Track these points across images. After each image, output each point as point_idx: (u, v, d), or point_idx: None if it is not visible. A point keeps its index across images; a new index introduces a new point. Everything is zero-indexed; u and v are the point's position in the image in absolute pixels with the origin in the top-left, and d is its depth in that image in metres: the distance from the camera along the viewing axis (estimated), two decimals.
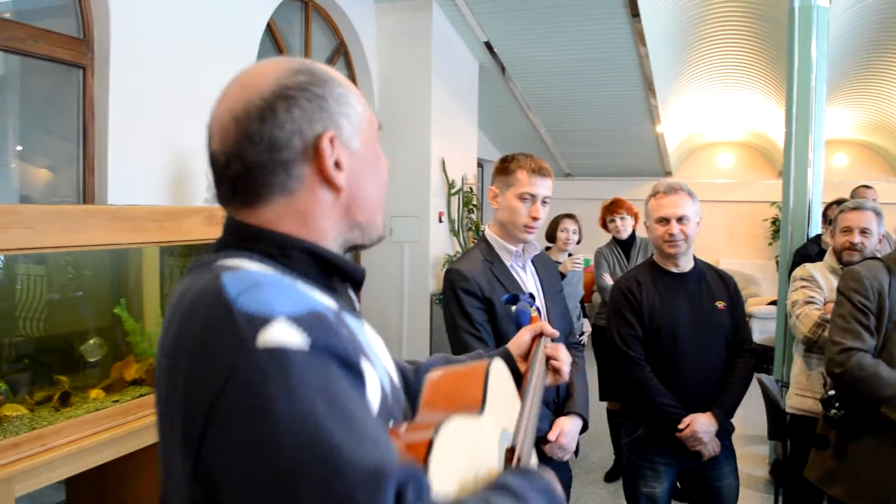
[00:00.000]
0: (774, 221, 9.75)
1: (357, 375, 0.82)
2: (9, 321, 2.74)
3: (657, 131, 8.74)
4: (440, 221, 6.97)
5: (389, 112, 6.86)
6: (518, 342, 1.55)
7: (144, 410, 3.09)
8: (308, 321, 0.79)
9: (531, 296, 1.94)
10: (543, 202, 2.32)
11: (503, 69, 7.67)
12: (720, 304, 2.70)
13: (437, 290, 6.80)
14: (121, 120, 3.91)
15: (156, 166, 4.12)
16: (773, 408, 3.88)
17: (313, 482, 0.69)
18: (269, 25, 5.28)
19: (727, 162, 10.73)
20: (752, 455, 5.18)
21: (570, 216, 4.74)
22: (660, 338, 2.63)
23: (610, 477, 4.57)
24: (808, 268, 3.44)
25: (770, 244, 9.96)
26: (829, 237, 4.16)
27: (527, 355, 1.52)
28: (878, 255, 2.79)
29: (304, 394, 0.73)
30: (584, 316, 4.79)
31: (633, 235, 4.76)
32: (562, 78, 7.74)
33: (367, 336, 1.00)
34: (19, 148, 3.91)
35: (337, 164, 0.95)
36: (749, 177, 10.55)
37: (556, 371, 1.56)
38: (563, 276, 4.43)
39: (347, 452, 0.70)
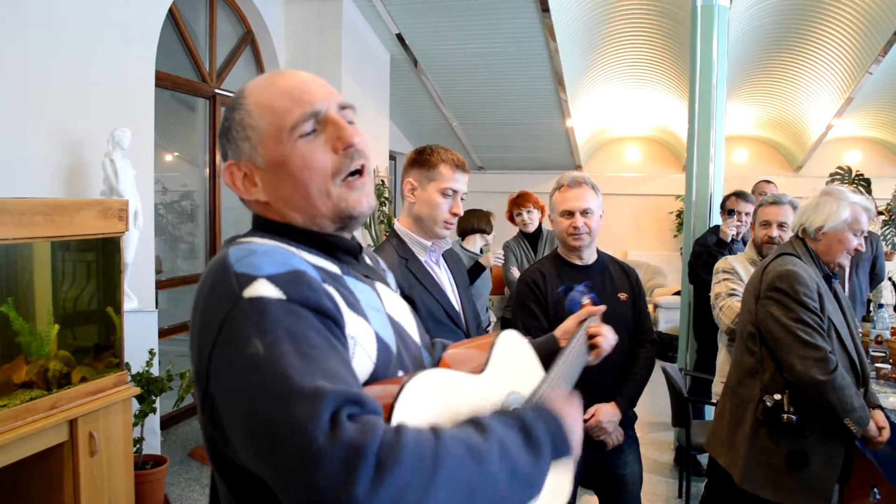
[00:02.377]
0: (679, 214, 10.05)
1: (332, 322, 0.98)
2: None
3: (567, 125, 8.87)
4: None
5: None
6: (564, 327, 1.78)
7: (35, 415, 2.93)
8: (286, 279, 0.97)
9: (588, 285, 1.98)
10: (462, 198, 2.29)
11: (415, 62, 7.64)
12: (623, 296, 2.73)
13: None
14: (4, 106, 3.68)
15: (46, 157, 3.90)
16: (677, 395, 3.98)
17: (268, 402, 0.85)
18: (171, 11, 5.08)
19: (634, 156, 11.00)
20: (658, 441, 5.32)
21: (489, 214, 4.75)
22: None
23: None
24: (729, 260, 3.53)
25: (675, 236, 10.27)
26: (726, 227, 4.30)
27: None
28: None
29: (274, 333, 0.90)
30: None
31: (539, 228, 4.80)
32: (473, 71, 7.76)
33: (374, 297, 1.16)
34: None
35: (245, 183, 1.15)
36: (655, 171, 10.83)
37: (594, 347, 1.74)
38: (482, 268, 4.43)
39: (296, 379, 0.86)
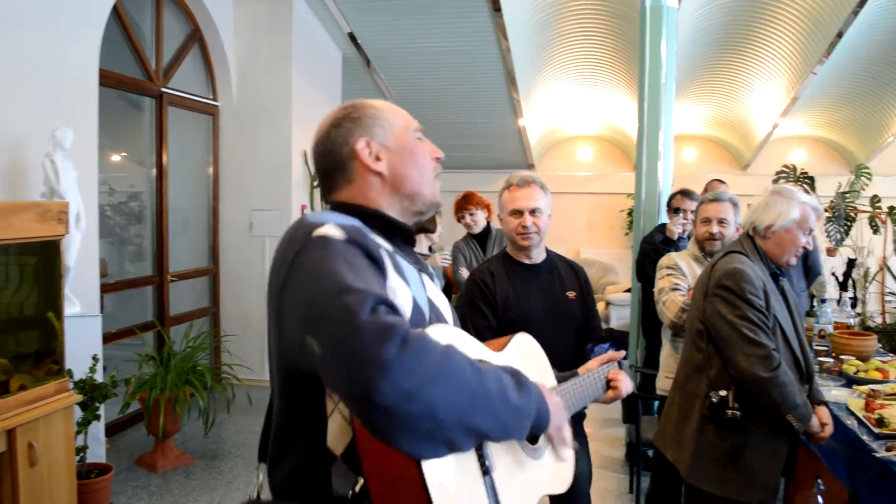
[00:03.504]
0: (630, 212, 10.16)
1: (379, 266, 1.25)
2: None
3: (519, 125, 8.90)
4: (302, 214, 6.80)
5: (248, 101, 6.65)
6: (587, 366, 2.00)
7: None
8: (347, 227, 1.24)
9: (620, 346, 2.20)
10: None
11: (367, 61, 7.58)
12: (571, 294, 2.74)
13: None
14: None
15: None
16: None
17: (325, 294, 1.11)
18: (115, 8, 4.95)
19: (586, 155, 11.08)
20: (609, 437, 5.37)
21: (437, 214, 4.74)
22: (513, 328, 2.63)
23: None
24: (672, 256, 3.57)
25: (626, 234, 10.37)
26: (672, 225, 4.36)
27: None
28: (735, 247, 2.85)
29: (334, 258, 1.16)
30: None
31: (487, 227, 4.80)
32: (426, 70, 7.74)
33: (418, 277, 1.40)
34: None
35: (373, 155, 1.42)
36: (607, 170, 10.93)
37: (613, 388, 1.97)
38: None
39: (348, 281, 1.11)
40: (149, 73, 5.69)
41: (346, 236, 1.22)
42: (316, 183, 6.67)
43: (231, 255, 6.75)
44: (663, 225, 4.64)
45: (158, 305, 5.84)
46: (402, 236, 1.45)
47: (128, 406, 4.52)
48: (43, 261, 3.36)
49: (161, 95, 5.82)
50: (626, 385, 1.98)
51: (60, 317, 3.39)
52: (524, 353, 1.52)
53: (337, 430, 1.21)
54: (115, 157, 5.99)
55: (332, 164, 1.43)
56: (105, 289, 4.91)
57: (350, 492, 1.17)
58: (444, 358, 1.08)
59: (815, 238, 3.11)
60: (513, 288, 2.68)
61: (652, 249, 4.44)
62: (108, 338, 4.78)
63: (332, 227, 1.22)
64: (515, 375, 1.22)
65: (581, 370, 1.95)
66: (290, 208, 6.64)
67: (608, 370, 1.98)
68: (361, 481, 1.15)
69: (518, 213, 2.67)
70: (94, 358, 3.92)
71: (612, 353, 1.97)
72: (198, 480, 4.47)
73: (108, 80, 4.96)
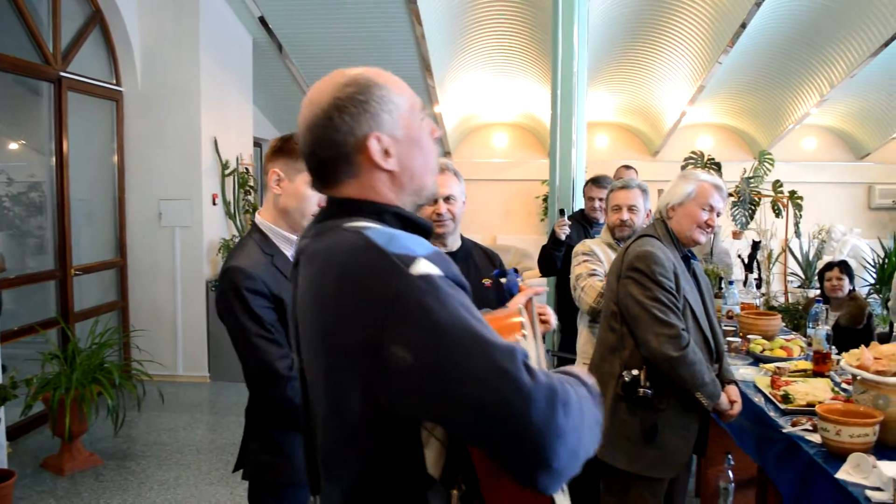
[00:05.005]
0: (546, 198, 10.30)
1: (467, 293, 1.15)
2: None
3: (435, 111, 8.88)
4: (214, 204, 6.63)
5: (154, 86, 6.40)
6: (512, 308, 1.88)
7: None
8: (437, 258, 1.13)
9: (515, 270, 1.98)
10: None
11: (279, 46, 7.42)
12: (487, 282, 2.74)
13: (213, 277, 6.48)
14: None
15: None
16: None
17: (476, 356, 1.03)
18: None
19: (502, 142, 11.17)
20: None
21: None
22: None
23: None
24: (588, 243, 3.62)
25: (542, 220, 10.51)
26: (558, 227, 4.43)
27: None
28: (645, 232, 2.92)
29: (452, 304, 1.07)
30: None
31: None
32: (339, 56, 7.61)
33: None
34: None
35: (384, 152, 1.25)
36: (522, 157, 11.05)
37: (544, 322, 1.92)
38: None
39: (489, 337, 1.06)
40: (46, 56, 5.40)
41: (442, 272, 1.11)
42: (229, 171, 6.51)
43: (139, 247, 6.50)
44: (580, 211, 4.72)
45: (62, 301, 5.58)
46: (422, 235, 1.30)
47: (30, 408, 4.30)
48: None
49: (59, 80, 5.54)
50: (552, 315, 1.93)
51: None
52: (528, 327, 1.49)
53: (434, 456, 1.16)
54: (13, 146, 5.69)
55: (334, 155, 1.25)
56: (3, 284, 4.66)
57: None
58: (580, 403, 1.10)
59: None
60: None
61: (545, 250, 4.53)
62: (7, 336, 4.54)
63: (426, 262, 1.10)
64: (587, 386, 1.20)
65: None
66: (201, 197, 6.44)
67: (535, 305, 1.83)
68: (456, 494, 1.16)
69: (434, 200, 2.65)
70: None
71: (535, 289, 1.81)
72: (108, 482, 4.30)
73: (1, 63, 4.68)
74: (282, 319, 2.08)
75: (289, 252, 2.18)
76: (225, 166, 6.72)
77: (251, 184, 7.13)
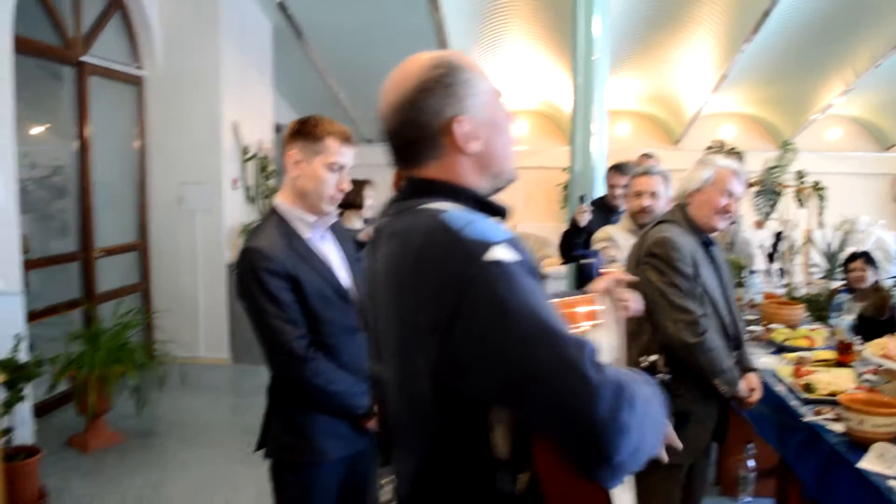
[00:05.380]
0: (566, 186, 10.26)
1: (540, 281, 1.15)
2: None
3: None
4: (234, 188, 6.66)
5: (175, 71, 6.43)
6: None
7: None
8: (512, 244, 1.13)
9: (597, 253, 1.97)
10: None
11: (299, 32, 7.42)
12: None
13: (234, 261, 6.51)
14: None
15: None
16: None
17: (544, 347, 1.05)
18: None
19: (523, 130, 11.13)
20: None
21: (369, 182, 4.67)
22: None
23: None
24: (607, 230, 3.63)
25: (563, 208, 10.45)
26: (578, 215, 4.42)
27: None
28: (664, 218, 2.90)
29: (524, 292, 1.08)
30: None
31: None
32: (359, 43, 7.60)
33: None
34: None
35: (468, 135, 1.26)
36: (543, 144, 10.99)
37: (626, 308, 1.86)
38: (362, 244, 4.34)
39: (558, 328, 1.07)
40: (67, 40, 5.44)
41: (515, 258, 1.11)
42: (249, 156, 6.53)
43: (161, 230, 6.56)
44: (601, 198, 4.70)
45: (85, 282, 5.65)
46: (501, 215, 1.35)
47: (55, 386, 4.37)
48: None
49: (81, 64, 5.58)
50: (634, 300, 1.87)
51: None
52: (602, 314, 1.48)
53: (503, 438, 1.18)
54: (36, 130, 5.74)
55: (418, 136, 1.27)
56: (28, 266, 4.71)
57: (515, 489, 1.19)
58: (645, 402, 1.12)
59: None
60: None
61: (566, 236, 4.55)
62: (32, 316, 4.60)
63: (500, 248, 1.11)
64: (654, 388, 1.24)
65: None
66: (221, 182, 6.48)
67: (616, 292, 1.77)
68: (526, 477, 1.18)
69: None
70: (17, 337, 3.77)
71: (613, 274, 1.76)
72: (132, 460, 4.37)
73: (23, 47, 4.72)
74: (300, 300, 2.10)
75: (307, 234, 2.20)
76: (245, 151, 6.75)
77: (271, 168, 7.16)
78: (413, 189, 1.30)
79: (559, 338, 1.06)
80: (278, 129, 7.90)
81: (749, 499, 3.12)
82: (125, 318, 4.78)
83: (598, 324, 1.32)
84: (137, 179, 6.50)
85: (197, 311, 6.55)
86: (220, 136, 6.47)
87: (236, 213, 6.70)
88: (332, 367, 2.12)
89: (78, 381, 4.28)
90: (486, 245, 1.10)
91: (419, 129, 1.26)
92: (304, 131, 2.15)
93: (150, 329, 6.19)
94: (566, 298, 1.43)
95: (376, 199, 4.62)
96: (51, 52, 5.30)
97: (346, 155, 2.16)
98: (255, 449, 2.29)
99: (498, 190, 1.36)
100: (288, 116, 8.88)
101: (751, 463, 3.07)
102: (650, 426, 1.12)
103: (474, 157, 1.28)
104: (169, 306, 6.36)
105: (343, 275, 2.24)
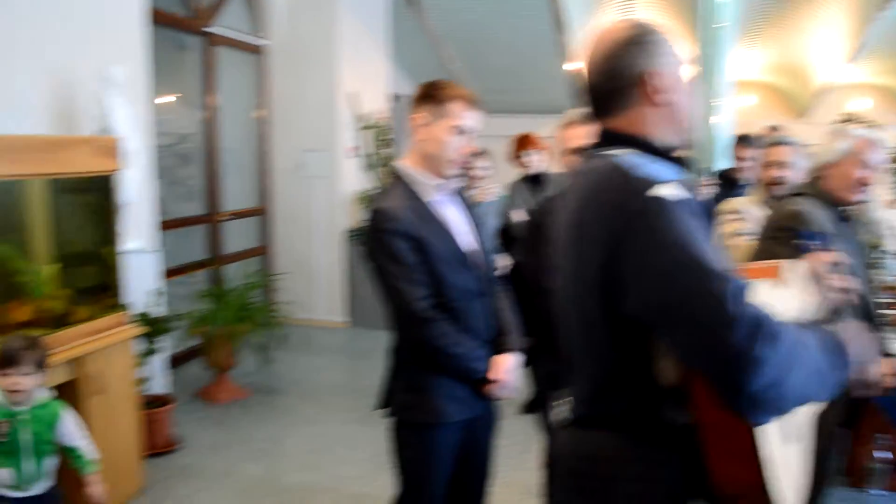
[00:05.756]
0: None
1: (702, 222, 1.26)
2: None
3: (568, 68, 8.69)
4: (352, 156, 6.79)
5: (295, 41, 6.59)
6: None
7: None
8: (676, 184, 1.25)
9: (813, 234, 2.02)
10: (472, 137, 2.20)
11: (416, 2, 7.43)
12: None
13: (350, 227, 6.67)
14: None
15: (36, 95, 3.79)
16: None
17: (689, 277, 1.17)
18: None
19: None
20: None
21: (483, 152, 4.67)
22: None
23: (527, 409, 4.59)
24: (735, 202, 3.51)
25: None
26: (737, 172, 4.24)
27: None
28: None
29: (680, 227, 1.20)
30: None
31: (543, 171, 4.70)
32: (475, 13, 7.57)
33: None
34: None
35: (657, 88, 1.39)
36: None
37: (839, 291, 1.86)
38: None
39: (708, 262, 1.17)
40: (195, 11, 5.65)
41: (677, 196, 1.23)
42: (366, 124, 6.62)
43: (281, 196, 6.79)
44: (725, 170, 4.52)
45: (212, 244, 5.92)
46: (681, 167, 1.46)
47: (186, 341, 4.62)
48: (98, 196, 3.39)
49: (207, 34, 5.79)
50: (854, 285, 1.90)
51: (117, 251, 3.44)
52: (796, 277, 1.55)
53: (669, 368, 1.29)
54: (165, 98, 6.01)
55: (614, 86, 1.42)
56: (162, 227, 4.96)
57: (681, 420, 1.30)
58: (794, 345, 1.17)
59: None
60: None
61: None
62: (166, 274, 4.84)
63: (663, 187, 1.24)
64: (828, 341, 1.27)
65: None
66: (339, 150, 6.63)
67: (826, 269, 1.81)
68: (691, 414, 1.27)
69: (576, 151, 2.59)
70: (155, 292, 3.99)
71: (824, 255, 1.78)
72: (255, 413, 4.58)
73: (155, 18, 4.93)
74: (424, 262, 2.12)
75: (430, 197, 2.20)
76: (363, 120, 6.86)
77: (387, 137, 7.25)
78: (601, 140, 1.46)
79: (705, 270, 1.16)
80: (395, 99, 7.99)
81: (880, 492, 2.96)
82: (250, 280, 4.98)
83: (779, 285, 1.39)
84: (260, 147, 6.73)
85: (314, 274, 6.76)
86: (338, 105, 6.60)
87: (353, 180, 6.83)
88: (454, 329, 2.13)
89: (207, 337, 4.50)
90: (651, 183, 1.24)
91: (615, 80, 1.41)
92: (431, 94, 2.16)
93: (271, 291, 6.43)
94: (760, 264, 1.55)
95: (491, 169, 4.62)
96: (180, 22, 5.53)
97: (470, 119, 2.16)
98: (377, 407, 2.33)
99: (675, 147, 1.45)
100: (404, 87, 8.96)
101: (884, 454, 2.90)
102: (798, 370, 1.16)
103: (660, 109, 1.41)
104: (288, 270, 6.58)
105: (466, 239, 2.24)
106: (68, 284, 3.21)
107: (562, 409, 1.53)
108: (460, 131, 2.14)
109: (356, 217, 6.71)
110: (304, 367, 5.52)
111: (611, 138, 1.43)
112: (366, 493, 3.53)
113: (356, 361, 5.87)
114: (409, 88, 9.08)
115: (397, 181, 2.22)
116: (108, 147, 3.30)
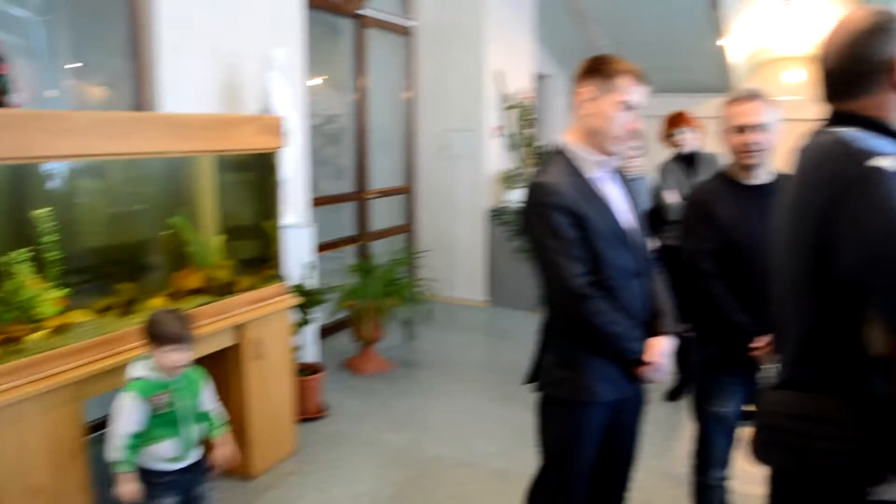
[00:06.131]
0: None
1: None
2: (70, 232, 2.72)
3: (721, 44, 8.32)
4: (496, 136, 6.81)
5: (442, 22, 6.66)
6: None
7: (205, 319, 3.10)
8: (893, 157, 1.31)
9: None
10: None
11: None
12: None
13: (493, 206, 6.70)
14: (170, 28, 3.82)
15: (206, 76, 4.04)
16: None
17: None
18: None
19: (797, 78, 10.20)
20: None
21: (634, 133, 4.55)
22: (735, 253, 2.48)
23: (671, 396, 4.49)
24: None
25: None
26: None
27: None
28: None
29: (893, 196, 1.27)
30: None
31: (696, 151, 4.54)
32: None
33: None
34: (73, 66, 3.85)
35: None
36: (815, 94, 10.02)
37: None
38: None
39: None
40: None
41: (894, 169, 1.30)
42: (510, 104, 6.61)
43: (426, 175, 6.91)
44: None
45: (359, 221, 6.11)
46: None
47: (335, 313, 4.80)
48: (261, 172, 3.58)
49: (359, 17, 5.95)
50: None
51: (278, 225, 3.62)
52: None
53: (877, 338, 1.36)
54: (317, 80, 6.23)
55: (858, 70, 1.46)
56: (314, 203, 5.18)
57: (884, 391, 1.37)
58: None
59: None
60: (735, 210, 2.50)
61: None
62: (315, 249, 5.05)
63: (883, 159, 1.31)
64: None
65: None
66: (484, 130, 6.66)
67: None
68: None
69: (741, 129, 2.48)
70: (308, 265, 4.17)
71: None
72: (398, 386, 4.71)
73: (310, 1, 5.10)
74: (584, 239, 2.08)
75: (592, 173, 2.16)
76: (506, 100, 6.86)
77: (531, 117, 7.22)
78: (831, 119, 1.52)
79: None
80: (539, 79, 7.93)
81: None
82: (396, 256, 5.11)
83: None
84: (406, 127, 6.87)
85: (457, 253, 6.85)
86: (483, 85, 6.63)
87: (497, 160, 6.85)
88: (611, 308, 2.09)
89: (355, 310, 4.66)
90: (872, 154, 1.32)
91: (860, 66, 1.45)
92: (598, 68, 2.11)
93: (415, 268, 6.58)
94: None
95: (642, 149, 4.50)
96: (333, 6, 5.71)
97: (638, 94, 2.10)
98: (526, 381, 2.34)
99: None
100: (548, 67, 8.88)
101: None
102: None
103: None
104: (431, 248, 6.71)
105: (626, 217, 2.20)
106: (233, 255, 3.41)
107: (771, 372, 1.67)
108: (627, 107, 2.09)
109: (499, 197, 6.74)
110: (446, 343, 5.63)
111: (843, 119, 1.48)
112: (507, 469, 3.56)
113: (496, 340, 5.92)
114: (555, 69, 9.00)
115: (558, 156, 2.19)
116: (273, 126, 3.46)
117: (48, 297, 2.57)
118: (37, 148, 2.40)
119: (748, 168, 2.51)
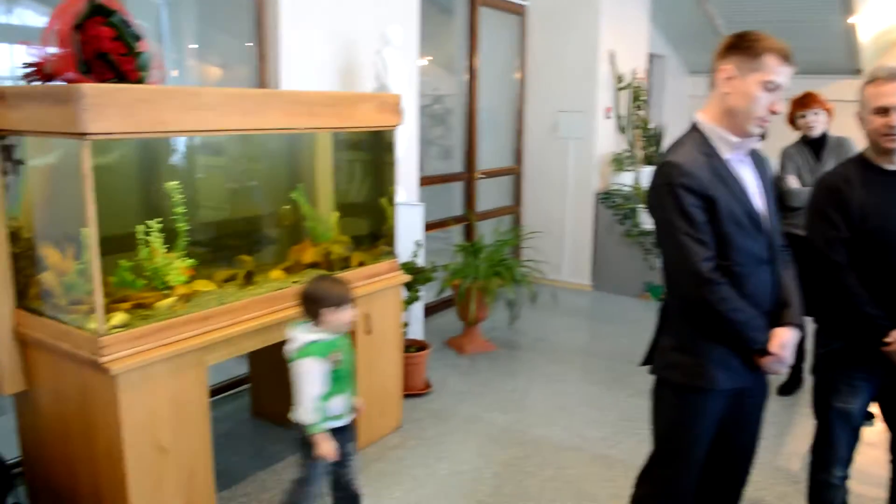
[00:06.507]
0: None
1: None
2: (195, 205, 2.84)
3: (849, 23, 7.88)
4: (607, 117, 6.69)
5: (556, 1, 6.56)
6: None
7: None
8: None
9: None
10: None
11: None
12: None
13: (602, 189, 6.61)
14: (290, 7, 3.92)
15: (323, 54, 4.13)
16: None
17: None
18: None
19: None
20: None
21: None
22: (869, 242, 2.35)
23: (784, 390, 4.33)
24: None
25: None
26: None
27: None
28: None
29: None
30: None
31: (824, 134, 4.32)
32: None
33: None
34: (195, 46, 4.01)
35: None
36: None
37: None
38: None
39: None
40: None
41: None
42: (622, 85, 6.48)
43: (534, 156, 6.86)
44: None
45: (467, 201, 6.14)
46: None
47: (442, 291, 4.85)
48: (378, 150, 3.64)
49: None
50: None
51: (392, 202, 3.68)
52: None
53: None
54: (428, 59, 6.26)
55: None
56: (423, 182, 5.24)
57: None
58: None
59: None
60: (871, 196, 2.37)
61: None
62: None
63: None
64: None
65: None
66: (595, 111, 6.55)
67: None
68: None
69: (884, 110, 2.34)
70: (417, 243, 4.22)
71: None
72: (500, 366, 4.73)
73: None
74: (713, 222, 2.02)
75: (727, 154, 2.09)
76: (619, 80, 6.73)
77: (643, 98, 7.05)
78: None
79: None
80: (651, 59, 7.74)
81: None
82: (503, 237, 5.11)
83: None
84: (516, 107, 6.84)
85: (563, 236, 6.79)
86: (596, 66, 6.52)
87: (607, 142, 6.74)
88: (737, 295, 2.03)
89: (461, 289, 4.70)
90: None
91: None
92: (742, 46, 2.02)
93: (521, 249, 6.57)
94: None
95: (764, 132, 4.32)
96: None
97: (784, 74, 2.00)
98: (642, 363, 2.31)
99: None
100: (659, 46, 8.65)
101: None
102: None
103: None
104: (538, 230, 6.67)
105: (759, 202, 2.12)
106: (348, 231, 3.49)
107: None
108: (772, 87, 2.00)
109: (608, 180, 6.63)
110: (550, 326, 5.61)
111: None
112: (610, 455, 3.53)
113: (600, 325, 5.86)
114: (667, 50, 8.75)
115: (693, 134, 2.13)
116: (391, 103, 3.51)
117: (176, 267, 2.70)
118: (169, 122, 2.50)
119: (888, 152, 2.38)
